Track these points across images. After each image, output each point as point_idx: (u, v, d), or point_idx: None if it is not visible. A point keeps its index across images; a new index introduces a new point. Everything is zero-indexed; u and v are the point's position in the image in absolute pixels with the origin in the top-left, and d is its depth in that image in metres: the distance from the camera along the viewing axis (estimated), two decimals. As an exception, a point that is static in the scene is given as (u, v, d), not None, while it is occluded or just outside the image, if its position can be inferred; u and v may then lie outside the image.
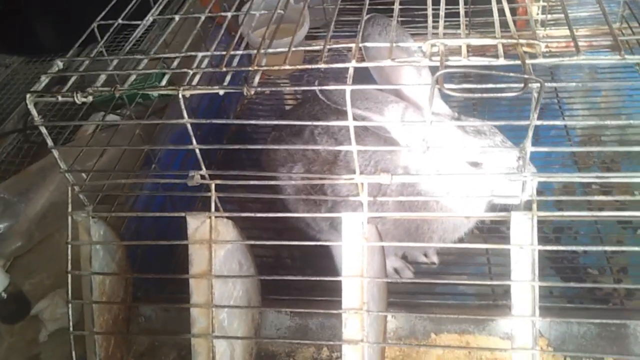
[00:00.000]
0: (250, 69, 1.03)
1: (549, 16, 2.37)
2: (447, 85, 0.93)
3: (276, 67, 1.04)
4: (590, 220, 1.74)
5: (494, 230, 1.75)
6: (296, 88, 1.87)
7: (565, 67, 2.42)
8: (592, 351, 1.40)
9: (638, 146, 1.62)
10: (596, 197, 1.11)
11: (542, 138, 1.85)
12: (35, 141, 2.15)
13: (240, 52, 1.15)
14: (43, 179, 1.68)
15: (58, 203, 1.70)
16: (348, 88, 0.99)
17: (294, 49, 1.06)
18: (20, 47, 2.86)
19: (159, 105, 2.07)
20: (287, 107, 2.43)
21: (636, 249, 1.02)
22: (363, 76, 1.16)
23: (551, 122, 2.02)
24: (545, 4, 2.38)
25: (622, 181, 0.96)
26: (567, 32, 0.99)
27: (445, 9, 1.08)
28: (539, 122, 1.01)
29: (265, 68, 1.04)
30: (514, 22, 1.06)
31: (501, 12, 1.11)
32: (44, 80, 1.13)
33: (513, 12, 1.09)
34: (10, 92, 2.50)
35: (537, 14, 2.43)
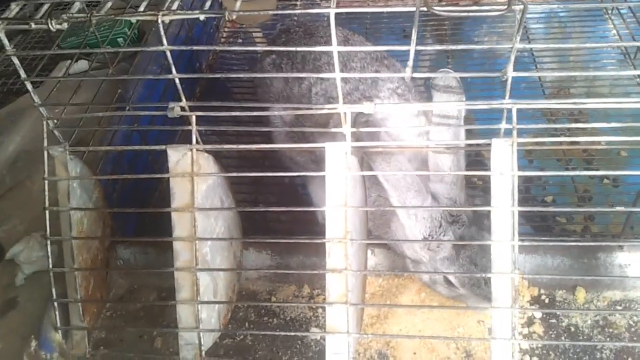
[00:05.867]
0: (232, -7, 1.01)
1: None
2: (436, 8, 0.92)
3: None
4: (559, 170, 1.79)
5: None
6: (280, 12, 1.83)
7: (536, 19, 2.45)
8: (565, 282, 1.45)
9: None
10: (572, 125, 1.13)
11: (514, 91, 1.86)
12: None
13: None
14: (13, 123, 1.63)
15: (29, 150, 1.65)
16: (332, 11, 0.97)
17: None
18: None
19: (128, 53, 2.02)
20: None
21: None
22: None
23: (538, 47, 2.07)
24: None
25: (590, 126, 0.99)
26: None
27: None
28: (521, 46, 1.02)
29: (247, -8, 1.02)
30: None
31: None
32: (15, 8, 1.08)
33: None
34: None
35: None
